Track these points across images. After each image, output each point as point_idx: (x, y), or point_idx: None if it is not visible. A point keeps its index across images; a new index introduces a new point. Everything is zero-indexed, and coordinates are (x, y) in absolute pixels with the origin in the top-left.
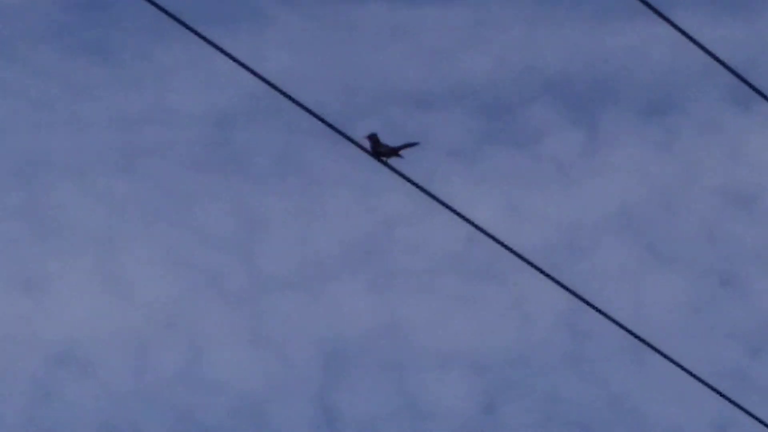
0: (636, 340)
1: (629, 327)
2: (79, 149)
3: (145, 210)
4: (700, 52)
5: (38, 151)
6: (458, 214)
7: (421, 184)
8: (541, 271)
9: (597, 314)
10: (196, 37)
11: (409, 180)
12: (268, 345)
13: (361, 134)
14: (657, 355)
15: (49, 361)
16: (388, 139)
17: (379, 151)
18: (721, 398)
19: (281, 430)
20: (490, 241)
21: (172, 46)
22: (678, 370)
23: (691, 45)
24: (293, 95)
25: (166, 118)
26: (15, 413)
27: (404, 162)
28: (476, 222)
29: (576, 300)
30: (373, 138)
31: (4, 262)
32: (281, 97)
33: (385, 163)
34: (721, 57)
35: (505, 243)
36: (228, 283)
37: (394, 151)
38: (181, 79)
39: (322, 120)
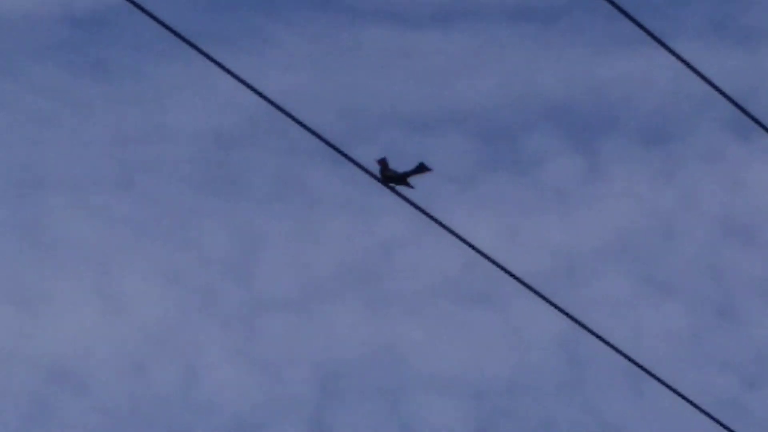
0: (633, 368)
1: (626, 354)
2: (77, 166)
3: (141, 228)
4: (701, 82)
5: (35, 167)
6: (459, 237)
7: (420, 207)
8: (540, 295)
9: (594, 341)
10: (195, 56)
11: (412, 203)
12: (264, 366)
13: (361, 157)
14: (654, 383)
15: (43, 378)
16: (394, 164)
17: (388, 175)
18: (717, 426)
19: None
20: (488, 265)
21: (171, 64)
22: (675, 398)
23: (692, 74)
24: (294, 116)
25: (164, 136)
26: (8, 430)
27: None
28: (475, 246)
29: (573, 326)
30: (382, 162)
31: None
32: (281, 117)
33: (393, 189)
34: (722, 87)
35: (504, 267)
36: (224, 303)
37: (404, 179)
38: (180, 98)
39: (327, 142)
